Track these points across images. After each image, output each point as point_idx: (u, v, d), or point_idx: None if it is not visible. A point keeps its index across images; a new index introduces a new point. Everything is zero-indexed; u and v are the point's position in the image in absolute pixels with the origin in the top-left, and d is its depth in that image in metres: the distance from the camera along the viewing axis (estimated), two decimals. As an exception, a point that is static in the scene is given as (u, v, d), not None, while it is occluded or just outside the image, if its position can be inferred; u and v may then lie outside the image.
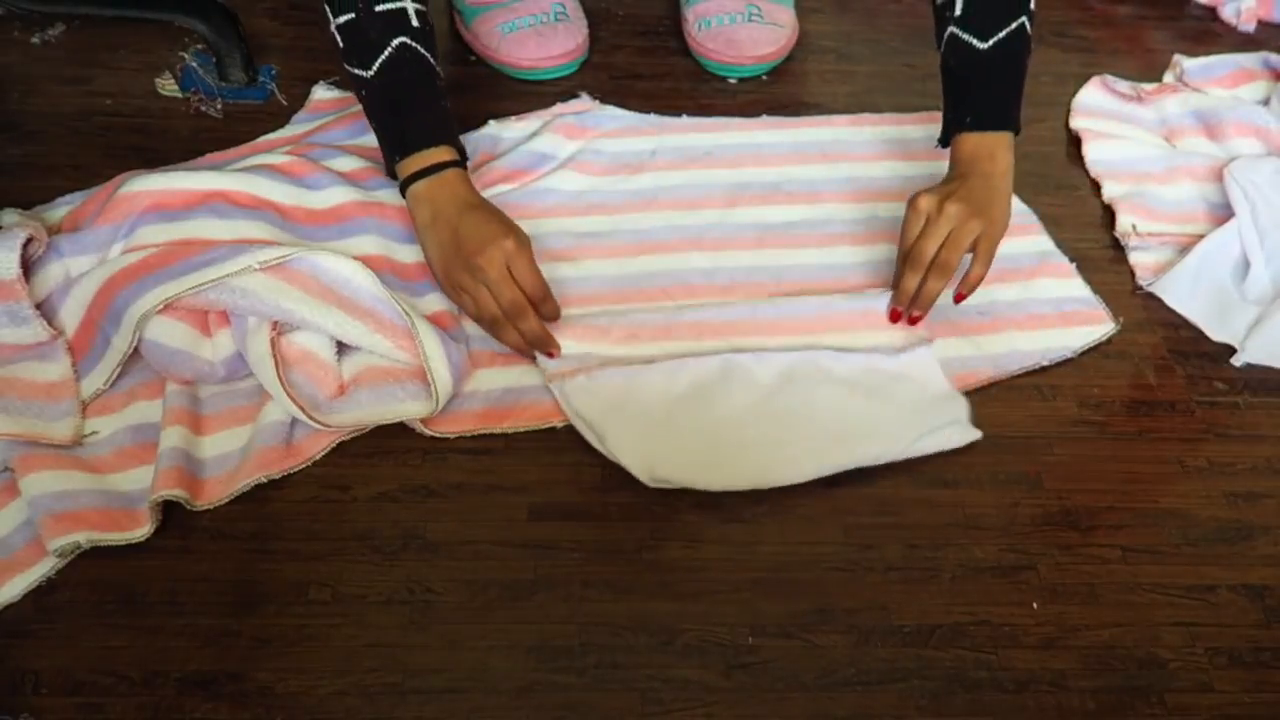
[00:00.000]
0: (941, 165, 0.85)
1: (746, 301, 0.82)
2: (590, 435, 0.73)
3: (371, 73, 0.78)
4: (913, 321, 0.80)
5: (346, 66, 0.80)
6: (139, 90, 1.00)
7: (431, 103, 0.80)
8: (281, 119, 0.98)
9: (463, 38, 1.07)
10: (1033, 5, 0.81)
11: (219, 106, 0.99)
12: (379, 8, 0.78)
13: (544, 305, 0.77)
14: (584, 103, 1.00)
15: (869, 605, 0.67)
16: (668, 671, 0.64)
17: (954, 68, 0.83)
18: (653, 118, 1.00)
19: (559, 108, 0.99)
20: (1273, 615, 0.68)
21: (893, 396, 0.76)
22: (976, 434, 0.75)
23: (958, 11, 0.81)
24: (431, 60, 0.80)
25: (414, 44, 0.79)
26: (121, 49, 1.04)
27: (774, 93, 1.04)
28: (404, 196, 0.79)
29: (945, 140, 0.84)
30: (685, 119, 1.00)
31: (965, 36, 0.81)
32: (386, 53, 0.78)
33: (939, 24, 0.84)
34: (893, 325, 0.81)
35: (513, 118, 0.98)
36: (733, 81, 1.05)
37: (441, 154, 0.78)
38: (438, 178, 0.78)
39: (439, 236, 0.77)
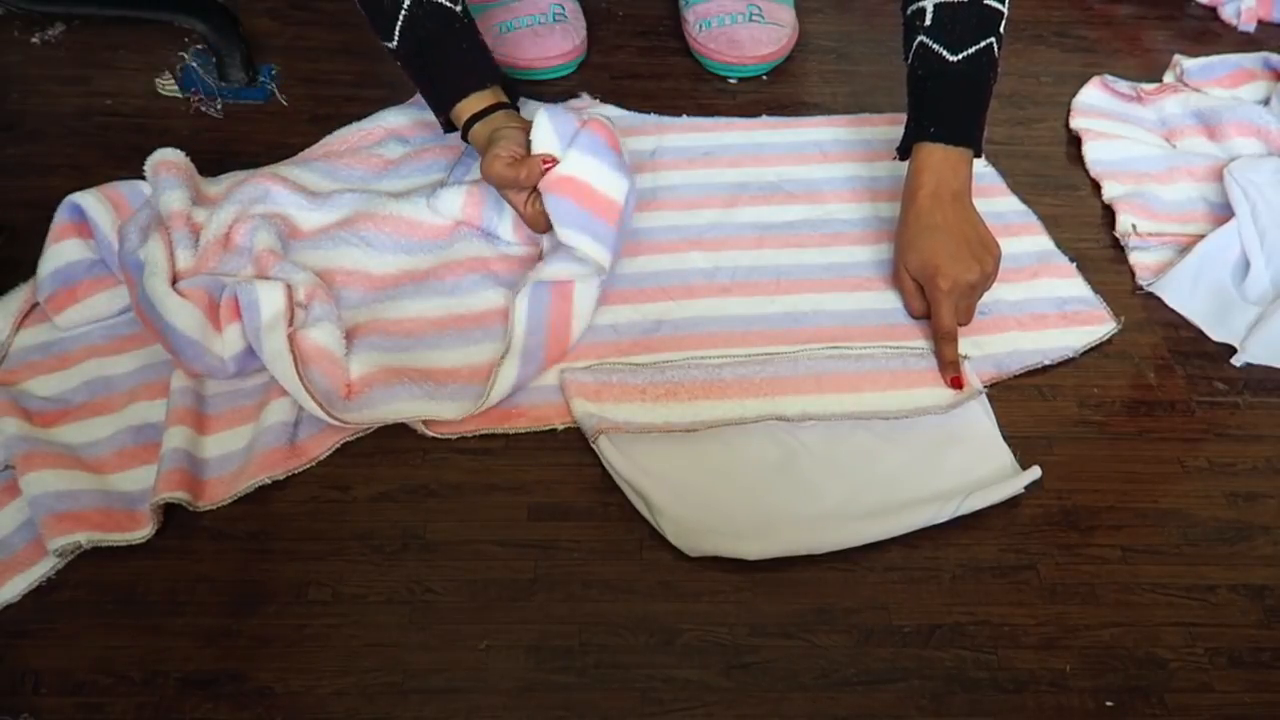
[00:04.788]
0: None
1: (788, 356, 0.79)
2: (632, 495, 0.71)
3: (395, 43, 0.78)
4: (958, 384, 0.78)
5: (382, 44, 0.81)
6: (139, 90, 1.00)
7: (457, 55, 0.80)
8: (281, 119, 0.98)
9: (462, 37, 1.07)
10: (1002, 29, 0.80)
11: (219, 106, 0.99)
12: None
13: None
14: (584, 102, 1.00)
15: (869, 605, 0.67)
16: (668, 671, 0.64)
17: (922, 77, 0.81)
18: (653, 118, 1.00)
19: (559, 108, 0.99)
20: (1273, 615, 0.68)
21: (945, 462, 0.74)
22: (1025, 480, 0.72)
23: (928, 21, 0.80)
24: (448, 6, 0.79)
25: None
26: (121, 49, 1.04)
27: (774, 93, 1.04)
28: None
29: (905, 151, 0.83)
30: (685, 119, 1.00)
31: (936, 47, 0.80)
32: (402, 16, 0.77)
33: (908, 32, 0.83)
34: (937, 382, 0.78)
35: (513, 118, 0.98)
36: (733, 81, 1.05)
37: (481, 101, 0.80)
38: (486, 121, 0.80)
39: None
